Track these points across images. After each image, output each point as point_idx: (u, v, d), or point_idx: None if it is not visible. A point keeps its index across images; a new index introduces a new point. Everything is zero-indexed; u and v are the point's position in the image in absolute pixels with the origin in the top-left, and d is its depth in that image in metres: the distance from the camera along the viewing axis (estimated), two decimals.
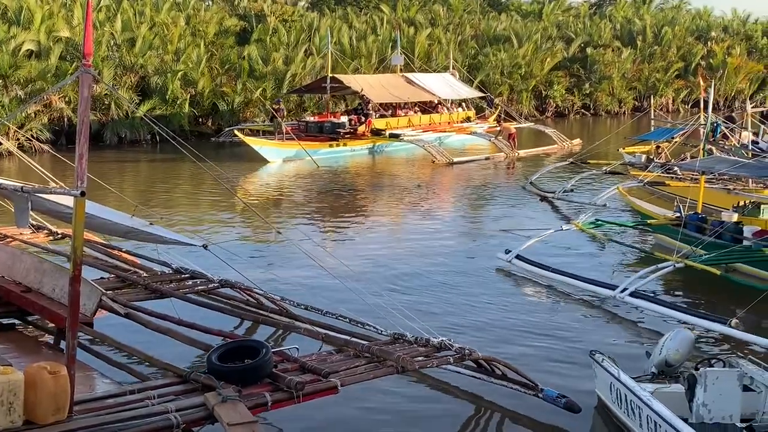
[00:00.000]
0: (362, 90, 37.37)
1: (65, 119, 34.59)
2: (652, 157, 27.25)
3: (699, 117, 26.95)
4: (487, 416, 9.60)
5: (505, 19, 62.06)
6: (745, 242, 15.21)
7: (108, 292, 10.62)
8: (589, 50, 59.08)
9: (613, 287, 13.96)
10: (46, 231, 14.46)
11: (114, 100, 35.24)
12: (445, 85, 42.95)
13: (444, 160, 32.63)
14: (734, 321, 11.63)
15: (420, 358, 9.10)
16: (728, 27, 73.63)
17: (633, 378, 8.94)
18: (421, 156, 34.17)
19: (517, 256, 15.81)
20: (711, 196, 19.29)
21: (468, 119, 43.02)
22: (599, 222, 18.39)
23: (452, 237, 19.51)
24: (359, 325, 10.32)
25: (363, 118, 36.64)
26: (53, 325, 9.90)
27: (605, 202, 22.02)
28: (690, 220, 16.44)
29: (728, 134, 27.99)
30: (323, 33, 46.05)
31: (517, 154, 35.41)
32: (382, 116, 37.84)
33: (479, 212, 23.78)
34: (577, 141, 38.86)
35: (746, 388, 8.76)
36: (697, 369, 8.72)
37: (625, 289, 13.64)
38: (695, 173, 20.81)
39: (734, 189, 20.82)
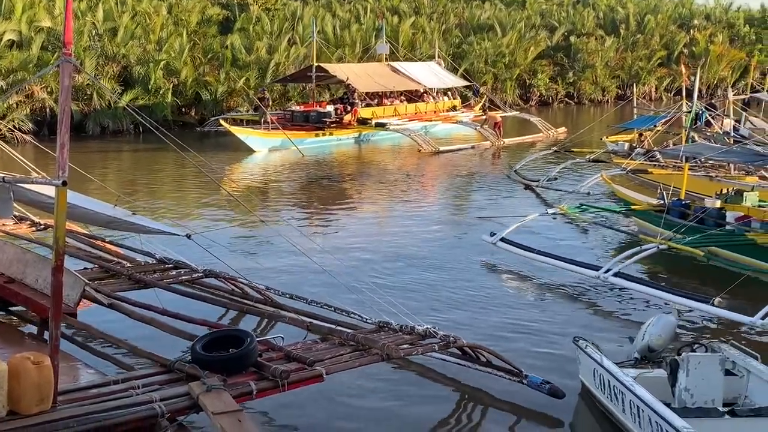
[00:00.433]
0: (348, 79, 37.30)
1: (47, 110, 34.34)
2: (634, 145, 27.33)
3: (681, 105, 27.04)
4: (472, 403, 9.65)
5: (489, 8, 62.07)
6: (727, 227, 15.35)
7: (91, 282, 10.60)
8: (572, 39, 59.21)
9: (596, 268, 14.06)
10: (29, 222, 14.38)
11: (96, 90, 35.01)
12: (431, 74, 42.92)
13: (430, 149, 32.63)
14: (717, 300, 11.74)
15: (405, 346, 9.13)
16: (710, 15, 73.97)
17: (616, 363, 8.99)
18: (407, 145, 34.17)
19: (502, 239, 15.86)
20: (693, 183, 19.41)
21: (454, 108, 43.05)
22: (584, 206, 18.53)
23: (437, 226, 19.54)
24: (344, 313, 10.33)
25: (349, 108, 36.58)
26: (36, 315, 9.85)
27: (589, 190, 22.12)
28: (673, 206, 16.55)
29: (711, 121, 28.12)
30: (306, 22, 45.91)
31: (502, 142, 35.46)
32: (368, 105, 37.80)
33: (464, 201, 23.82)
34: (562, 129, 38.94)
35: (728, 373, 8.86)
36: (679, 354, 8.79)
37: (608, 270, 13.73)
38: (677, 161, 20.92)
39: (716, 176, 20.94)
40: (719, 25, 71.06)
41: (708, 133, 26.45)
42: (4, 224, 13.85)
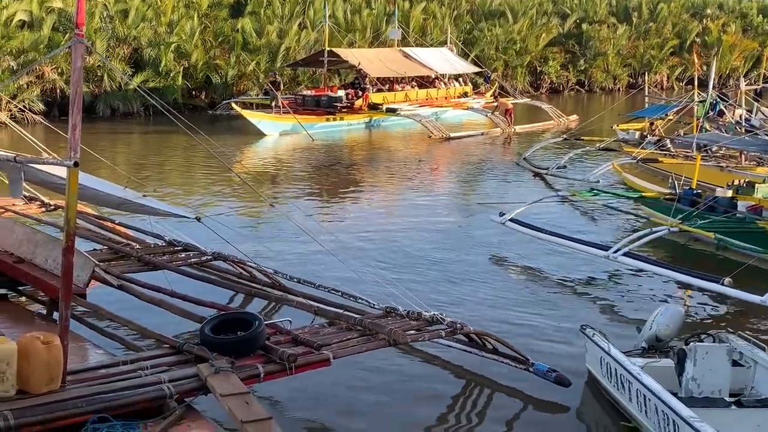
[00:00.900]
0: (360, 64, 37.21)
1: (58, 90, 34.38)
2: (645, 134, 27.20)
3: (693, 94, 26.88)
4: (477, 390, 9.66)
5: None
6: (738, 215, 15.33)
7: (101, 263, 10.64)
8: (584, 26, 58.77)
9: (606, 248, 14.01)
10: (39, 202, 14.42)
11: (107, 71, 35.03)
12: (443, 59, 42.74)
13: (440, 135, 32.55)
14: (727, 279, 11.72)
15: (412, 332, 9.14)
16: (723, 4, 73.26)
17: (623, 352, 9.00)
18: (417, 131, 34.09)
19: (512, 219, 15.85)
20: (704, 173, 19.30)
21: (465, 94, 42.88)
22: (596, 191, 18.50)
23: (446, 212, 19.52)
24: (351, 298, 10.35)
25: (360, 93, 36.50)
26: (46, 295, 9.90)
27: (599, 178, 22.03)
28: (685, 195, 16.52)
29: (724, 111, 27.96)
30: (318, 6, 45.71)
31: (513, 129, 35.32)
32: (379, 90, 37.69)
33: (474, 188, 23.77)
34: (574, 117, 38.74)
35: (735, 363, 8.84)
36: (687, 344, 8.78)
37: (618, 250, 13.66)
38: (688, 150, 20.82)
39: (727, 166, 20.83)
40: (732, 15, 70.42)
41: (720, 123, 26.32)
42: (14, 204, 13.91)
